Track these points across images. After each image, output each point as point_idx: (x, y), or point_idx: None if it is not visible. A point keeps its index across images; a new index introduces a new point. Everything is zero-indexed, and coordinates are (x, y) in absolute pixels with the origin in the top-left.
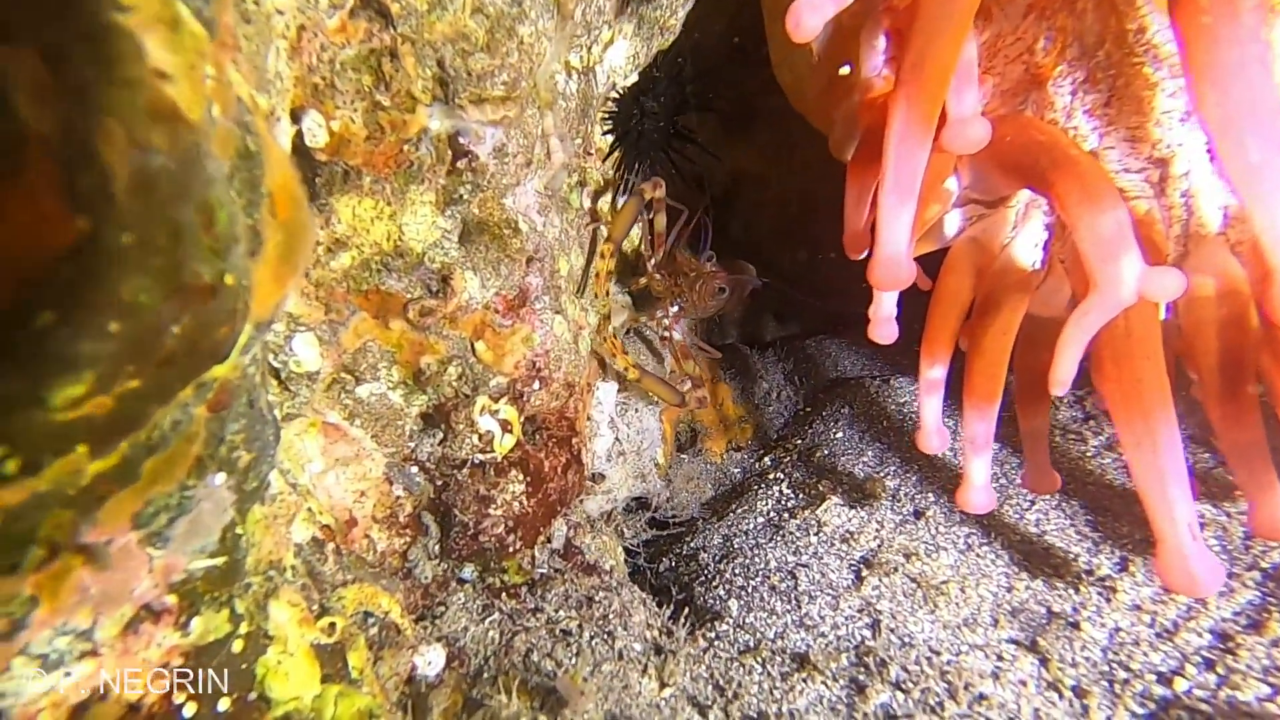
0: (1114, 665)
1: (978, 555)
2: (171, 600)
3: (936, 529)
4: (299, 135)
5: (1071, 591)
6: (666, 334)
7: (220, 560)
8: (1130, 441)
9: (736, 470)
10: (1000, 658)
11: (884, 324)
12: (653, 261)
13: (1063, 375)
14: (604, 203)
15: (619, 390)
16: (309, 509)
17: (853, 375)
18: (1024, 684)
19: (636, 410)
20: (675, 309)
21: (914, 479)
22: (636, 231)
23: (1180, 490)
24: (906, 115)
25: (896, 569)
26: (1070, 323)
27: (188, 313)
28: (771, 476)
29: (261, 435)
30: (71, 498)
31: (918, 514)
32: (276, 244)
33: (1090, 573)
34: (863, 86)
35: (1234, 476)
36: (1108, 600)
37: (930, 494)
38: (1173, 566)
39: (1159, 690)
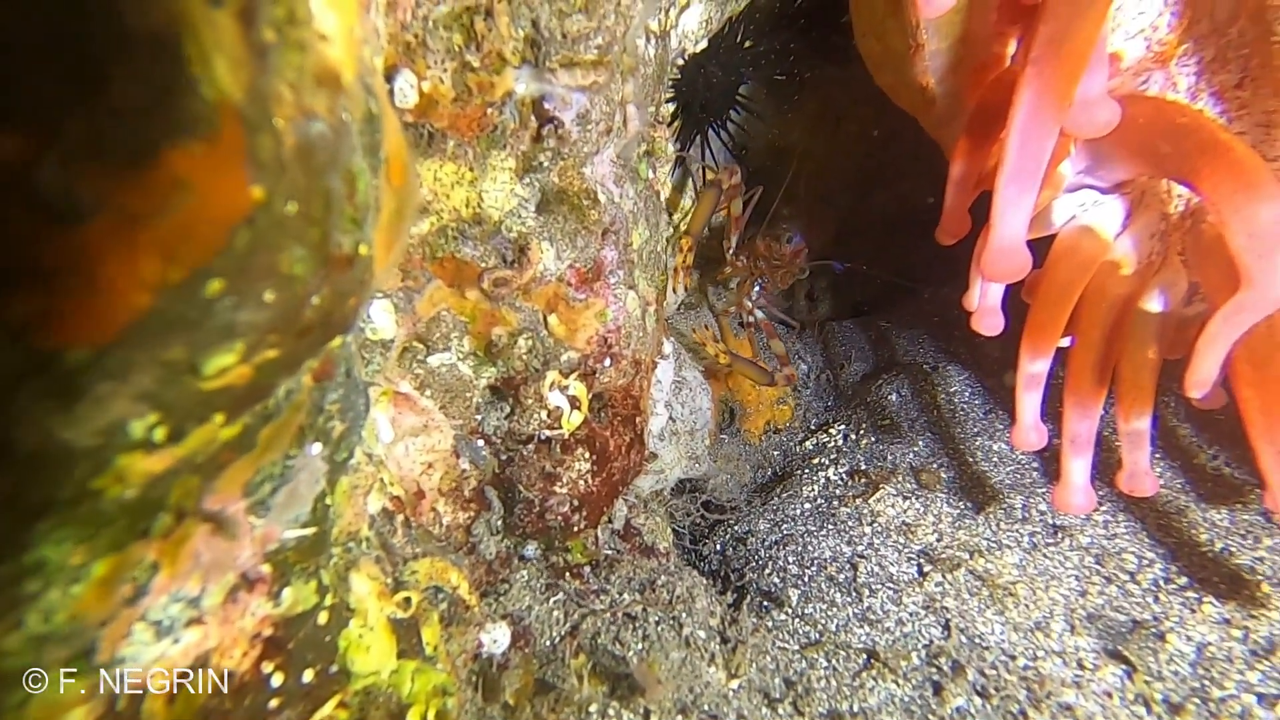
0: (1206, 682)
1: (1045, 555)
2: (266, 570)
3: (998, 525)
4: (389, 95)
5: (1151, 600)
6: (750, 316)
7: (311, 530)
8: (1269, 450)
9: (776, 453)
10: (1081, 666)
11: (990, 314)
12: (731, 248)
13: (1203, 376)
14: (662, 173)
15: (674, 368)
16: (382, 479)
17: (898, 360)
18: (1109, 695)
19: (690, 390)
20: (757, 290)
21: (970, 472)
22: (685, 208)
23: None
24: (1039, 95)
25: (959, 565)
26: (1216, 320)
27: (328, 283)
28: (816, 461)
29: (355, 405)
30: (200, 465)
31: (976, 508)
32: (390, 211)
33: (1169, 580)
34: (975, 62)
35: None
36: (1192, 611)
37: (989, 488)
38: None
39: (1261, 713)
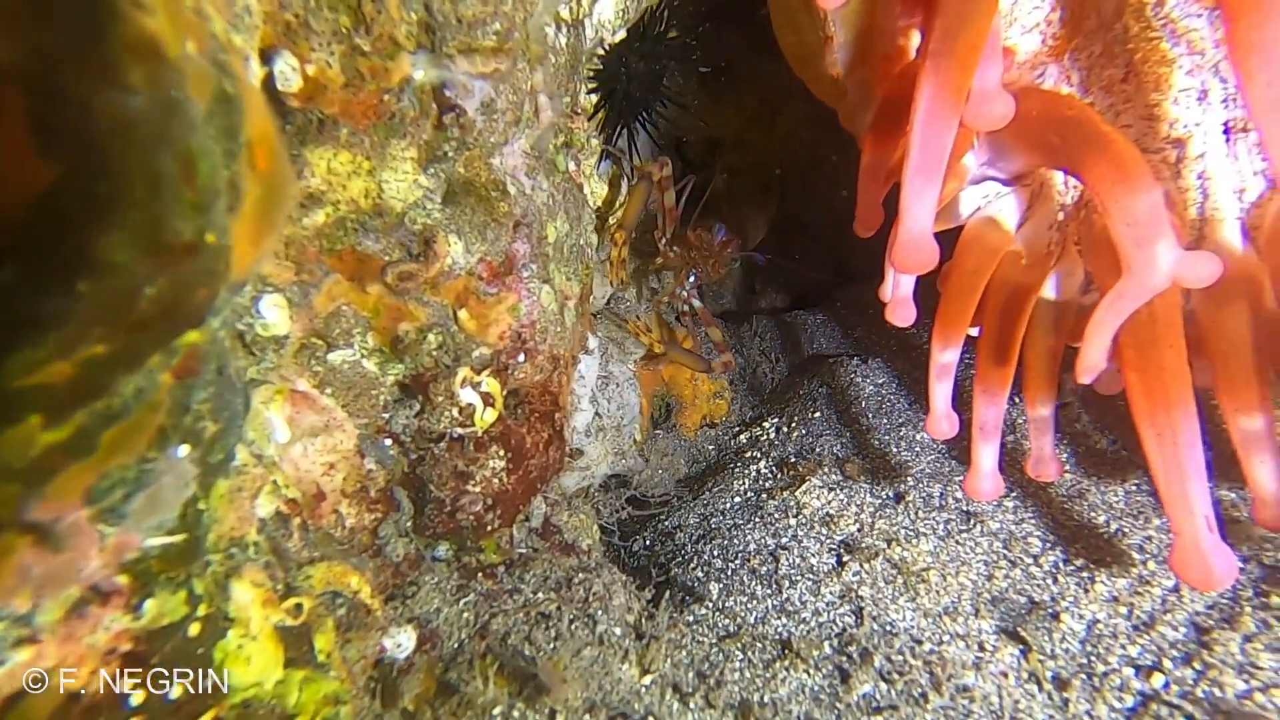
0: (1092, 658)
1: (957, 542)
2: (123, 581)
3: (916, 514)
4: (269, 78)
5: (1050, 581)
6: (686, 305)
7: (179, 538)
8: (1150, 433)
9: (711, 447)
10: (981, 648)
11: (902, 305)
12: (664, 239)
13: (1091, 362)
14: (588, 166)
15: (599, 363)
16: (274, 481)
17: (829, 352)
18: (1005, 675)
19: (617, 385)
20: (691, 280)
21: (893, 462)
22: (612, 199)
23: (1199, 484)
24: (936, 89)
25: (877, 554)
26: (1101, 307)
27: (165, 273)
28: (749, 455)
29: (230, 405)
30: (18, 471)
31: (898, 497)
32: (255, 199)
33: (1068, 561)
34: (879, 54)
35: (1243, 466)
36: (1085, 590)
37: (909, 478)
38: (1190, 561)
39: (1137, 684)
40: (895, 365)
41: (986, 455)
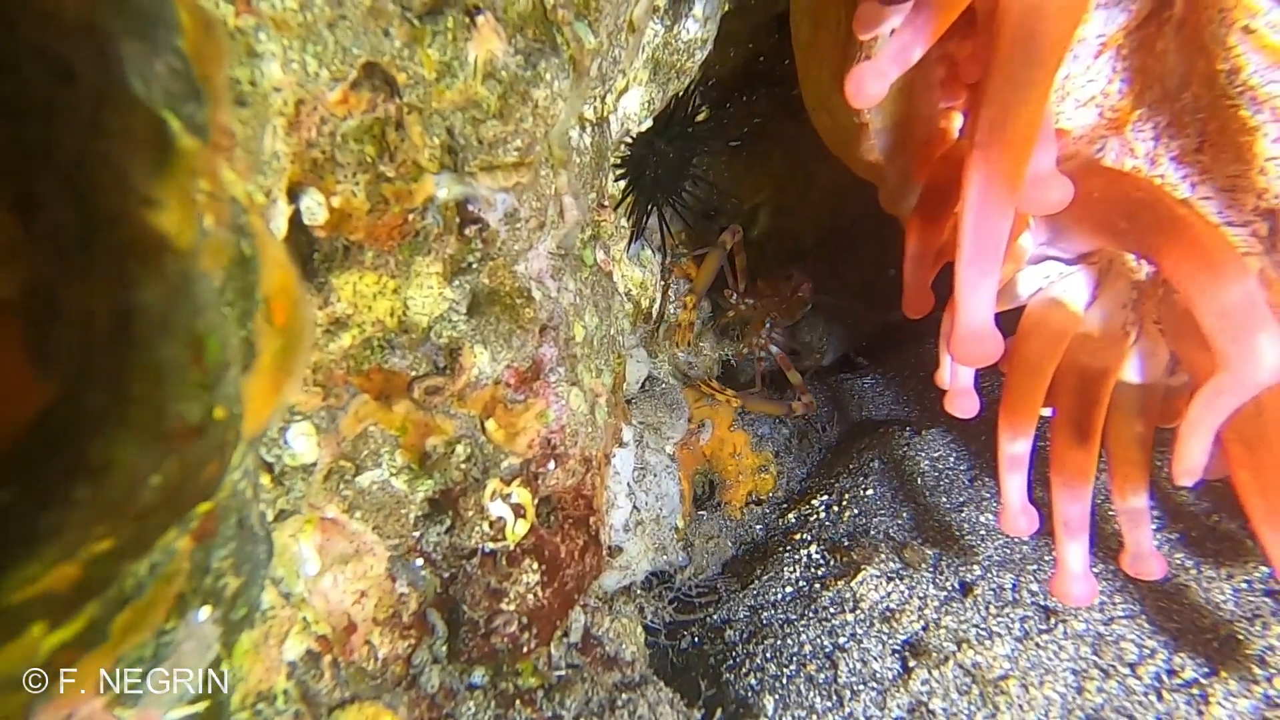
0: None
1: (1038, 645)
2: None
3: (987, 609)
4: (295, 214)
5: (1153, 698)
6: (764, 353)
7: (201, 707)
8: (1273, 539)
9: (759, 527)
10: None
11: (964, 396)
12: (734, 295)
13: (1191, 464)
14: (617, 250)
15: (635, 453)
16: (304, 619)
17: (880, 418)
18: None
19: (655, 475)
20: (768, 325)
21: (957, 547)
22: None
23: None
24: (988, 179)
25: (947, 658)
26: (1196, 404)
27: (170, 459)
28: (798, 537)
29: (252, 556)
30: (17, 681)
31: (964, 589)
32: (274, 353)
33: (1172, 674)
34: (919, 139)
35: None
36: (1199, 713)
37: (977, 566)
38: None
39: None
40: (953, 435)
41: (1074, 555)
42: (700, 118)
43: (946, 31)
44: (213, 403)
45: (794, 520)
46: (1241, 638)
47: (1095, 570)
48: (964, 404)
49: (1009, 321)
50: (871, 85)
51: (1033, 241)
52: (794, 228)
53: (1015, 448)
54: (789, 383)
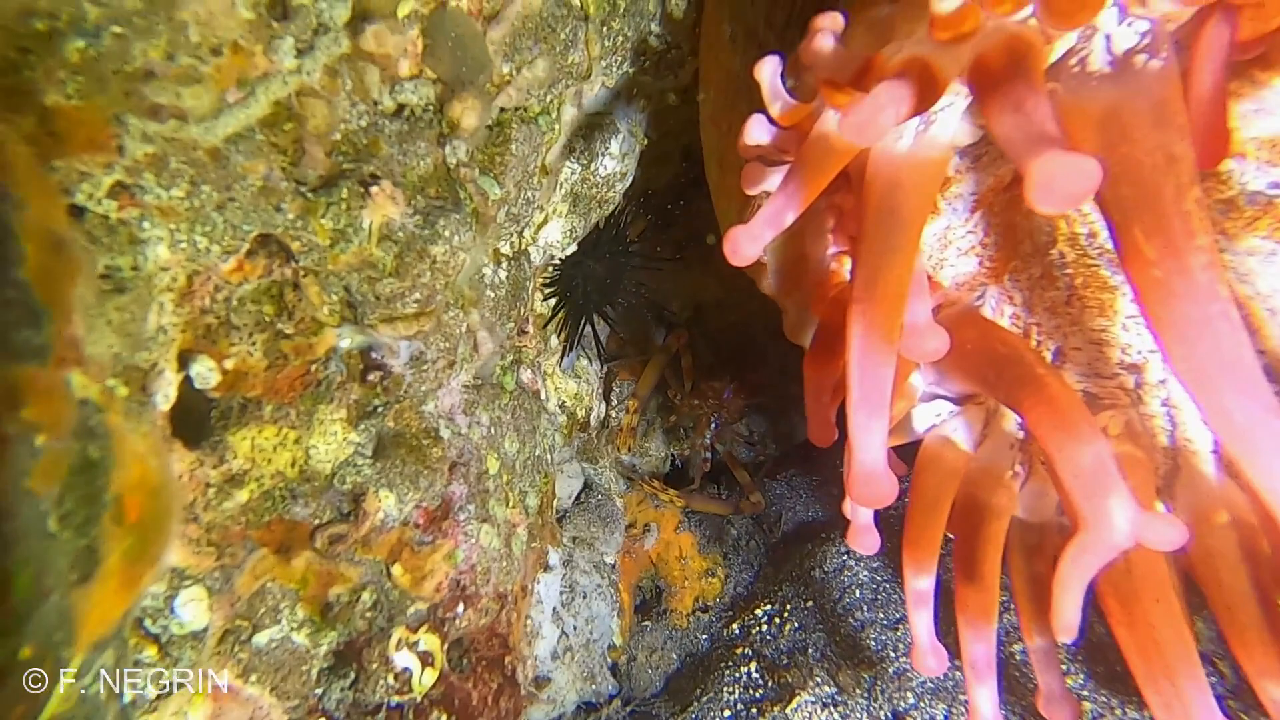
0: None
1: None
2: None
3: None
4: (186, 380)
5: None
6: (708, 453)
7: None
8: (1157, 701)
9: (704, 637)
10: None
11: (864, 533)
12: (679, 396)
13: (1066, 621)
14: (549, 365)
15: (562, 576)
16: None
17: (825, 518)
18: None
19: (585, 597)
20: (714, 424)
21: (891, 670)
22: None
23: None
24: (867, 332)
25: None
26: (1064, 562)
27: None
28: (740, 652)
29: None
30: None
31: (896, 717)
32: (124, 551)
33: None
34: (811, 280)
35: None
36: None
37: (910, 694)
38: None
39: None
40: (894, 542)
41: (983, 699)
42: (636, 232)
43: (831, 184)
44: (18, 643)
45: (738, 631)
46: None
47: (1020, 704)
48: (865, 541)
49: (910, 454)
50: (746, 248)
51: (922, 381)
52: (744, 323)
53: (919, 583)
54: (737, 481)
